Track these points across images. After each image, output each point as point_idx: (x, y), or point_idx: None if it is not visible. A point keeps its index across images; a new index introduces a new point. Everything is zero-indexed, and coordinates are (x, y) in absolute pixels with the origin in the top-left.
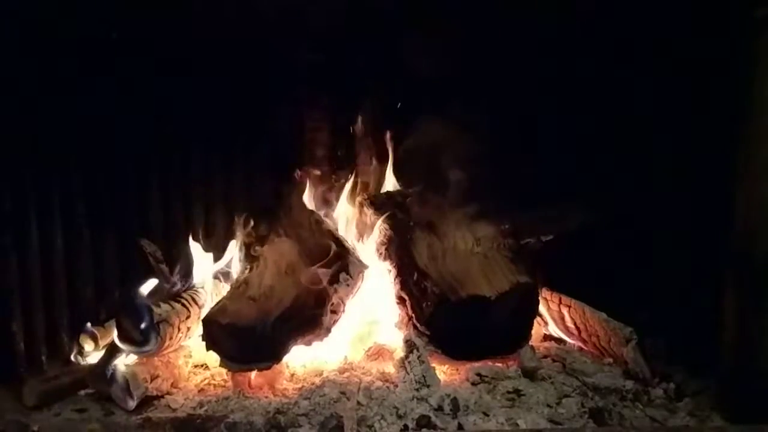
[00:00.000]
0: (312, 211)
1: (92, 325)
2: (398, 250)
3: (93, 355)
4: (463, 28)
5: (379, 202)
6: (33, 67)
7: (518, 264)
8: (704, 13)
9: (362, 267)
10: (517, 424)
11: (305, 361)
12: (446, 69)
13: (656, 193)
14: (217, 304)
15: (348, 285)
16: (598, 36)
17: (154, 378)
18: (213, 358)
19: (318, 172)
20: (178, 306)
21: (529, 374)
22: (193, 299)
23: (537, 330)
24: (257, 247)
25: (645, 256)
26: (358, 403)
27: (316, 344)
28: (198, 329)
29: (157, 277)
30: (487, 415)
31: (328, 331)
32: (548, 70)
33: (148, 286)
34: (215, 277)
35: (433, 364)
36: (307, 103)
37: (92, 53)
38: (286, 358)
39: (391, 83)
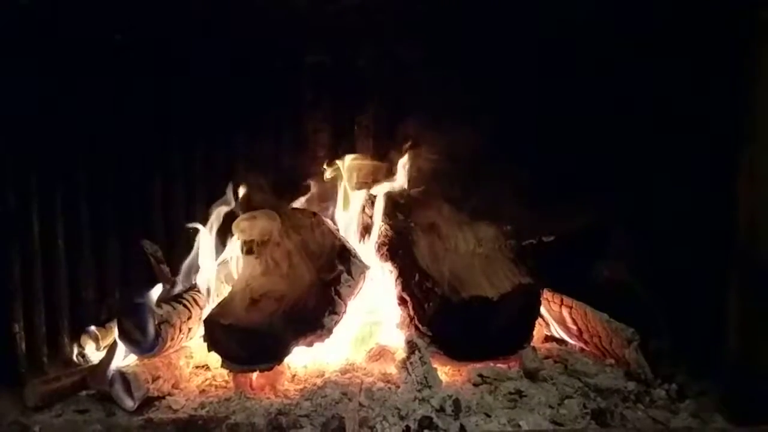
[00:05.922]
0: (313, 211)
1: (94, 326)
2: (399, 251)
3: (94, 356)
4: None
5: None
6: (34, 67)
7: (520, 265)
8: (708, 13)
9: (364, 268)
10: (519, 425)
11: (307, 362)
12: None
13: (659, 193)
14: (219, 304)
15: (350, 286)
16: (599, 33)
17: (155, 379)
18: (214, 358)
19: (319, 173)
20: (179, 307)
21: (531, 375)
22: (195, 300)
23: (538, 331)
24: (259, 248)
25: (646, 257)
26: (360, 404)
27: (317, 345)
28: (199, 330)
29: (157, 278)
30: (489, 416)
31: (330, 331)
32: (548, 70)
33: (151, 291)
34: (216, 277)
35: (435, 365)
36: (309, 103)
37: (94, 54)
38: (287, 359)
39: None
